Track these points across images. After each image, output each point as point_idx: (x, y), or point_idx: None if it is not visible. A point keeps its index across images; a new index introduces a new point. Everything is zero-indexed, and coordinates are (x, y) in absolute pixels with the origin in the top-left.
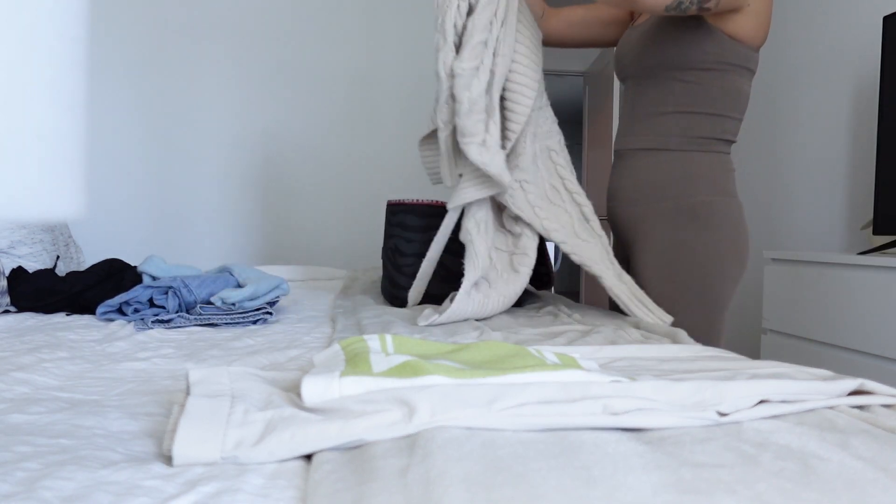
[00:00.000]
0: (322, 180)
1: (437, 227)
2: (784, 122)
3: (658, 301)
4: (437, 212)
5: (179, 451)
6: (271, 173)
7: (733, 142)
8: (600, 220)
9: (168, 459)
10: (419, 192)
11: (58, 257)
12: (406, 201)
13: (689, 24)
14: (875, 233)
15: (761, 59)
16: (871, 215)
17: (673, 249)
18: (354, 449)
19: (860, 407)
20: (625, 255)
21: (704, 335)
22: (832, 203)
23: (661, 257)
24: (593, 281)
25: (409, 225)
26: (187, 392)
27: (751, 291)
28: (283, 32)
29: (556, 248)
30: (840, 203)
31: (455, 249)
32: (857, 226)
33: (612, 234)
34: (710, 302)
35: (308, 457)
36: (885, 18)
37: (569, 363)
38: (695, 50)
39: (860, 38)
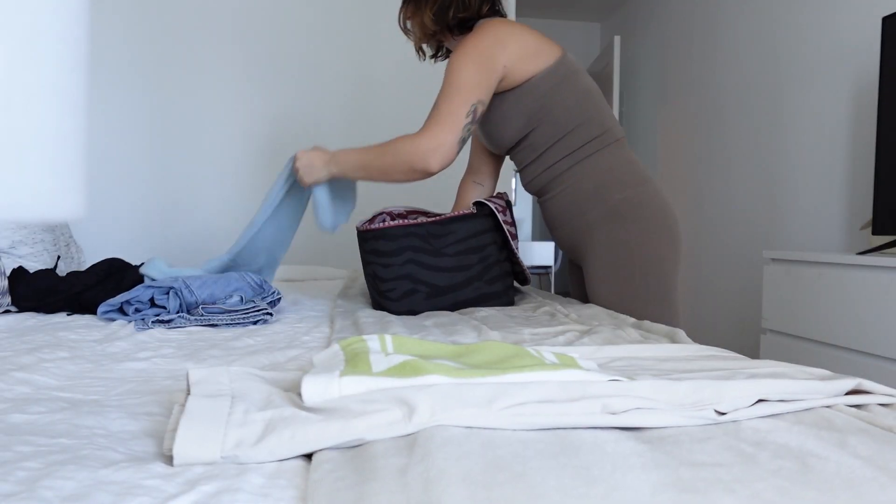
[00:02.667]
0: None
1: (411, 247)
2: (784, 122)
3: (613, 298)
4: (407, 231)
5: (180, 450)
6: (272, 173)
7: (618, 138)
8: None
9: (168, 459)
10: (414, 192)
11: (59, 257)
12: (373, 228)
13: (495, 105)
14: (874, 233)
15: (761, 59)
16: (870, 215)
17: (613, 251)
18: (354, 448)
19: (858, 406)
20: (577, 272)
21: (663, 321)
22: (832, 203)
23: (605, 261)
24: None
25: (383, 251)
26: (187, 392)
27: (750, 291)
28: (285, 33)
29: (556, 248)
30: (839, 203)
31: (440, 265)
32: (856, 226)
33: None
34: (658, 289)
35: (308, 456)
36: (885, 19)
37: (568, 363)
38: (516, 110)
39: (860, 38)
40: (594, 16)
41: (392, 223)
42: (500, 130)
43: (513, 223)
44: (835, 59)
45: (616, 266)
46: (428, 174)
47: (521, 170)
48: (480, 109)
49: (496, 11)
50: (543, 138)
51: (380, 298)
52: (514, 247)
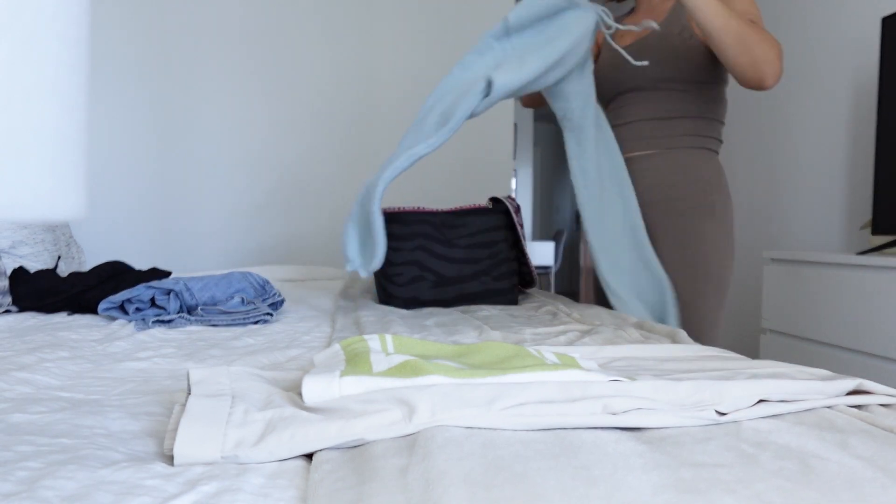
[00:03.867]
0: (323, 180)
1: (423, 234)
2: (783, 122)
3: (682, 291)
4: (421, 218)
5: (180, 450)
6: (272, 174)
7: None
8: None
9: (169, 459)
10: (415, 191)
11: (59, 257)
12: (389, 210)
13: (690, 44)
14: (874, 233)
15: None
16: (870, 215)
17: (695, 244)
18: (354, 448)
19: (858, 406)
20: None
21: (715, 322)
22: (831, 203)
23: (683, 251)
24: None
25: (395, 234)
26: (188, 392)
27: (750, 291)
28: (286, 35)
29: (556, 248)
30: (839, 203)
31: (450, 256)
32: (856, 226)
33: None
34: (721, 291)
35: (308, 456)
36: (884, 19)
37: (568, 363)
38: (697, 65)
39: (859, 38)
40: None
41: (407, 208)
42: (671, 56)
43: (521, 226)
44: (835, 58)
45: (695, 260)
46: (761, 84)
47: (632, 122)
48: None
49: None
50: (690, 102)
51: (385, 283)
52: (525, 247)
